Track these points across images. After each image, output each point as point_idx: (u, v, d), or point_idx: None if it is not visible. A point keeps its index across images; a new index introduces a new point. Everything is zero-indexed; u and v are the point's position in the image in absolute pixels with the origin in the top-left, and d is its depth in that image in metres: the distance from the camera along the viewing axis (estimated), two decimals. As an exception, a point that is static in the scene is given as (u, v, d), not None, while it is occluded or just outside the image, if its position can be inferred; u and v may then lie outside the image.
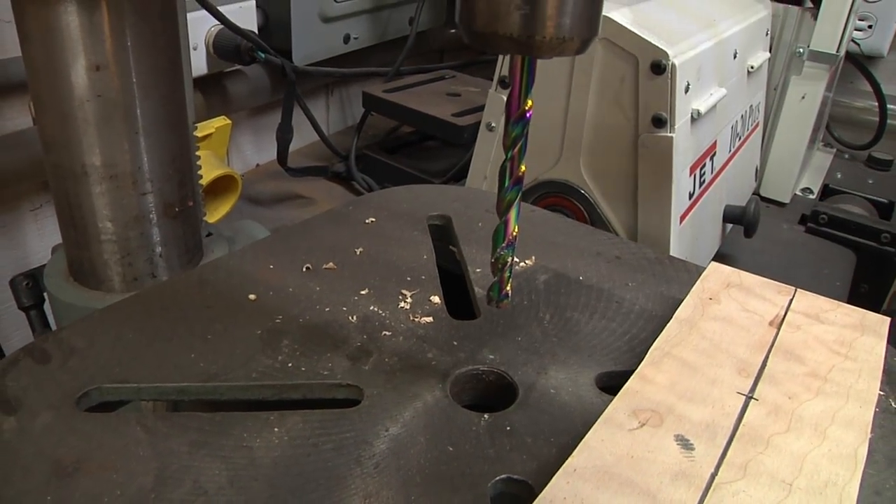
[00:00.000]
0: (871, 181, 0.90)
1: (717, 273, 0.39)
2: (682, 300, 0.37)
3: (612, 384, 0.32)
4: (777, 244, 0.75)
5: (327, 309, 0.37)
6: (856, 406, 0.30)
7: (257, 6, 0.83)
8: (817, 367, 0.32)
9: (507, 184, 0.28)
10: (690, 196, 0.56)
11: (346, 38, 0.92)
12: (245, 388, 0.32)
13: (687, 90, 0.51)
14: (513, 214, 0.29)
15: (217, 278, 0.39)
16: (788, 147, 0.80)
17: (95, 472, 0.27)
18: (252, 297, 0.38)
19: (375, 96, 0.88)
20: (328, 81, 1.04)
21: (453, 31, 1.10)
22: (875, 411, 0.31)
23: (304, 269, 0.40)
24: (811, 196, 0.85)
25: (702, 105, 0.54)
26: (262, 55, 0.77)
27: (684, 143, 0.52)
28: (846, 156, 0.97)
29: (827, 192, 0.88)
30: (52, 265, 0.48)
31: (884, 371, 0.33)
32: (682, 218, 0.55)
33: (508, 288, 0.31)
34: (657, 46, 0.49)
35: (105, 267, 0.45)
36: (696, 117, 0.53)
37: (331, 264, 0.41)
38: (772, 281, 0.39)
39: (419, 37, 0.98)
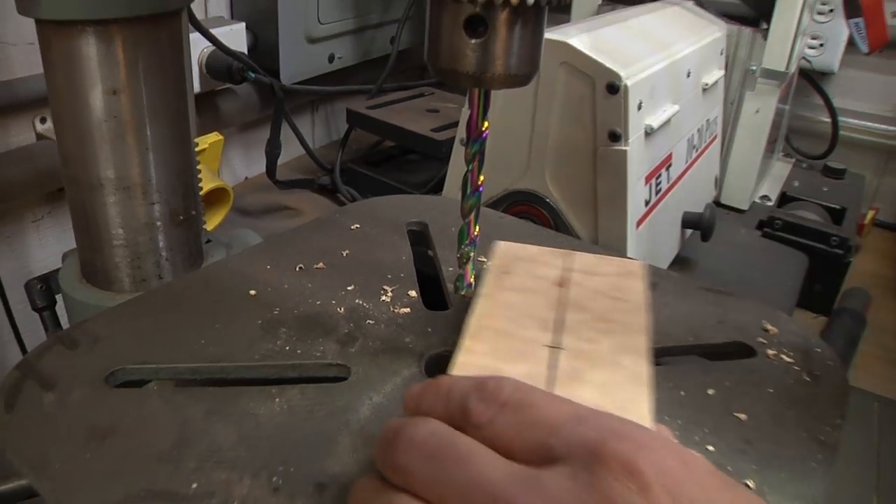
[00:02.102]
0: (825, 189, 0.97)
1: (505, 250, 0.44)
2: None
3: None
4: (735, 248, 0.81)
5: (318, 302, 0.43)
6: (633, 337, 0.36)
7: (247, 28, 0.90)
8: (601, 312, 0.38)
9: (468, 191, 0.34)
10: (647, 203, 0.63)
11: (331, 58, 0.99)
12: (249, 368, 0.38)
13: (640, 108, 0.58)
14: (474, 217, 0.35)
15: (220, 277, 0.45)
16: (745, 157, 0.86)
17: (126, 435, 0.33)
18: (252, 292, 0.43)
19: (359, 113, 0.94)
20: (313, 98, 1.11)
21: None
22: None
23: (297, 269, 0.46)
24: (769, 203, 0.92)
25: (654, 121, 0.60)
26: (253, 75, 0.83)
27: (638, 155, 0.59)
28: (804, 165, 1.04)
29: (784, 199, 0.95)
30: (65, 269, 0.54)
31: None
32: (639, 223, 0.61)
33: (471, 279, 0.37)
34: (611, 69, 0.55)
35: (116, 269, 0.51)
36: (649, 132, 0.60)
37: (321, 264, 0.47)
38: (551, 249, 0.44)
39: (400, 55, 1.05)
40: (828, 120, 1.02)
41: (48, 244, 0.83)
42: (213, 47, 0.81)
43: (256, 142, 1.03)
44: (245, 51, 0.90)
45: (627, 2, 0.87)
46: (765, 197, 0.92)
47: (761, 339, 0.43)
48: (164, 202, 0.50)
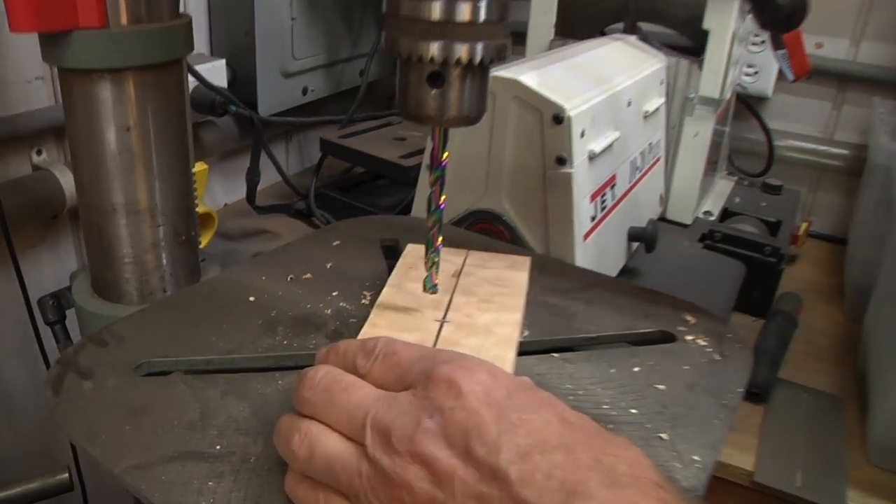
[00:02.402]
0: (763, 204, 1.07)
1: (415, 251, 0.56)
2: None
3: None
4: (678, 258, 0.91)
5: (308, 306, 0.52)
6: (508, 314, 0.48)
7: (227, 64, 0.98)
8: (484, 296, 0.50)
9: (432, 208, 0.43)
10: (592, 219, 0.72)
11: (305, 90, 1.08)
12: (254, 359, 0.46)
13: (582, 135, 0.67)
14: (437, 229, 0.44)
15: (223, 287, 0.53)
16: (687, 176, 0.97)
17: (157, 412, 0.41)
18: (252, 298, 0.52)
19: (332, 142, 1.03)
20: (288, 128, 1.19)
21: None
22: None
23: (289, 279, 0.55)
24: (711, 218, 1.02)
25: (597, 146, 0.70)
26: (234, 108, 0.92)
27: (583, 177, 0.68)
28: (745, 183, 1.15)
29: (726, 214, 1.05)
30: (77, 285, 0.62)
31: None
32: (586, 237, 0.71)
33: (436, 280, 0.46)
34: (556, 103, 0.65)
35: (126, 284, 0.59)
36: (592, 156, 0.69)
37: (308, 275, 0.56)
38: (452, 248, 0.56)
39: (369, 87, 1.14)
40: (765, 140, 1.14)
41: (44, 268, 0.90)
42: (197, 83, 0.89)
43: (235, 170, 1.12)
44: (225, 85, 0.98)
45: (576, 37, 0.97)
46: (707, 212, 1.03)
47: (681, 328, 0.52)
48: (168, 224, 0.59)
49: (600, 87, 0.74)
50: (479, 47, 0.38)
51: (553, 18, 0.97)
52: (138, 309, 0.51)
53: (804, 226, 1.07)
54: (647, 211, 0.92)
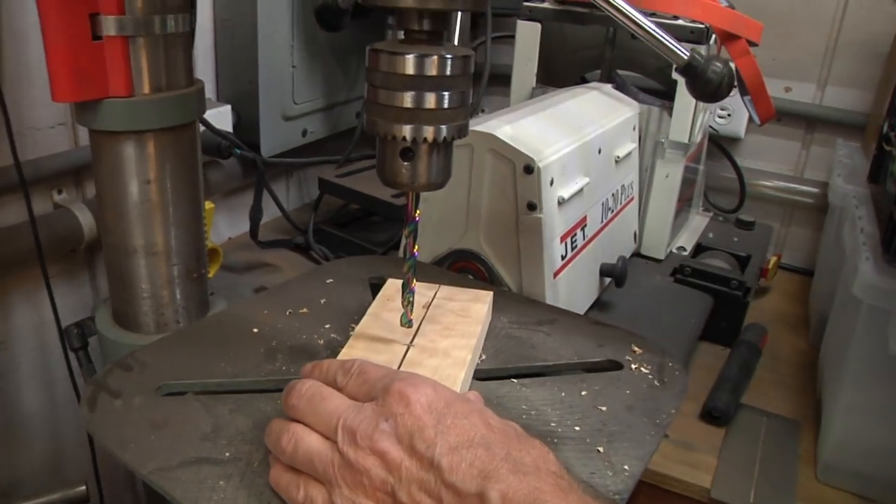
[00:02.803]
0: (736, 239, 1.17)
1: (393, 285, 0.66)
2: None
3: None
4: (650, 292, 1.00)
5: (304, 336, 0.61)
6: (465, 339, 0.58)
7: (232, 109, 1.09)
8: (448, 324, 0.60)
9: (407, 256, 0.53)
10: (563, 258, 0.81)
11: (304, 132, 1.18)
12: (257, 382, 0.55)
13: (552, 183, 0.77)
14: (412, 273, 0.54)
15: (230, 320, 0.63)
16: (659, 214, 1.06)
17: (176, 425, 0.50)
18: (255, 330, 0.61)
19: (329, 181, 1.13)
20: (286, 167, 1.30)
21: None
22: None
23: (287, 313, 0.64)
24: (684, 253, 1.11)
25: (566, 192, 0.79)
26: (238, 151, 1.02)
27: (552, 221, 0.78)
28: (720, 219, 1.25)
29: (699, 249, 1.15)
30: (100, 316, 0.71)
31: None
32: (556, 274, 0.80)
33: (411, 316, 0.55)
34: (527, 154, 0.74)
35: (144, 316, 0.68)
36: (561, 202, 0.79)
37: (304, 310, 0.65)
38: (426, 283, 0.65)
39: (364, 128, 1.24)
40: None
41: (62, 297, 0.99)
42: (204, 128, 0.99)
43: (238, 206, 1.21)
44: (230, 128, 1.08)
45: (557, 84, 1.08)
46: (681, 247, 1.12)
47: (628, 357, 0.61)
48: (181, 264, 0.68)
49: (571, 136, 0.84)
50: (444, 128, 0.48)
51: (535, 67, 1.08)
52: (156, 338, 0.61)
53: (773, 259, 1.16)
54: (622, 247, 1.01)
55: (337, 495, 0.40)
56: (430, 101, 0.47)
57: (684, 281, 1.03)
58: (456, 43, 0.71)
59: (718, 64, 0.59)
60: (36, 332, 0.98)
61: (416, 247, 0.53)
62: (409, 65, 0.47)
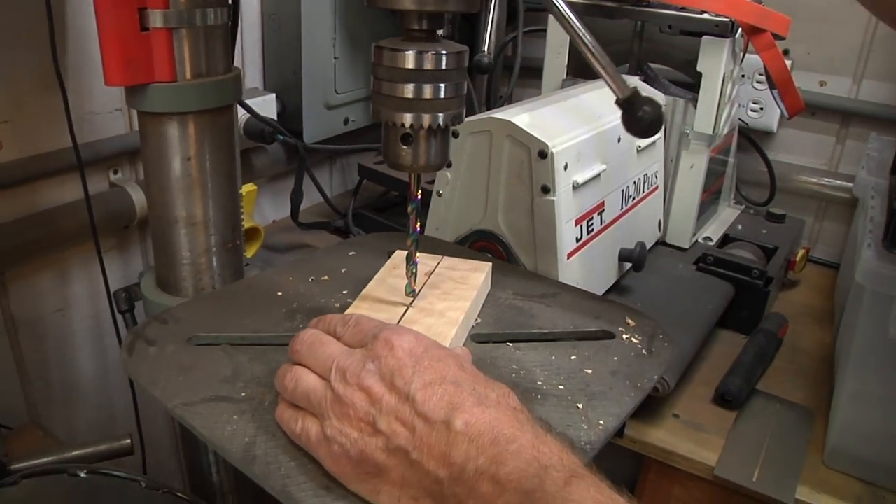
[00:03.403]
0: (765, 231, 1.19)
1: (399, 255, 0.72)
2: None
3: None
4: (671, 279, 1.04)
5: (322, 300, 0.68)
6: (460, 302, 0.63)
7: (276, 97, 1.16)
8: (446, 290, 0.66)
9: (410, 231, 0.59)
10: (577, 240, 0.86)
11: (346, 121, 1.25)
12: (277, 337, 0.62)
13: (566, 168, 0.82)
14: (414, 248, 0.60)
15: (258, 284, 0.70)
16: (684, 204, 1.10)
17: (201, 370, 0.57)
18: (279, 293, 0.68)
19: (368, 167, 1.20)
20: (331, 154, 1.37)
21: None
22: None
23: (310, 280, 0.71)
24: (710, 243, 1.15)
25: (580, 177, 0.84)
26: (281, 137, 1.09)
27: (566, 204, 0.83)
28: (751, 211, 1.27)
29: (727, 240, 1.17)
30: (145, 281, 0.79)
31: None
32: (570, 256, 0.85)
33: (415, 286, 0.62)
34: (541, 140, 0.80)
35: (184, 281, 0.76)
36: (575, 186, 0.84)
37: (326, 277, 0.72)
38: (429, 255, 0.71)
39: (404, 118, 1.31)
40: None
41: (115, 269, 1.09)
42: (250, 115, 1.07)
43: (282, 190, 1.30)
44: (275, 116, 1.16)
45: (585, 77, 1.12)
46: (707, 238, 1.15)
47: (622, 329, 0.66)
48: (218, 234, 0.76)
49: (589, 125, 0.89)
50: (440, 116, 0.55)
51: (565, 60, 1.12)
52: (185, 301, 0.68)
53: (802, 252, 1.18)
54: (645, 235, 1.05)
55: (327, 426, 0.47)
56: (427, 91, 0.54)
57: (706, 269, 1.06)
58: (491, 36, 0.78)
59: (648, 108, 0.65)
60: (91, 300, 1.08)
61: (419, 224, 0.60)
62: (409, 60, 0.54)
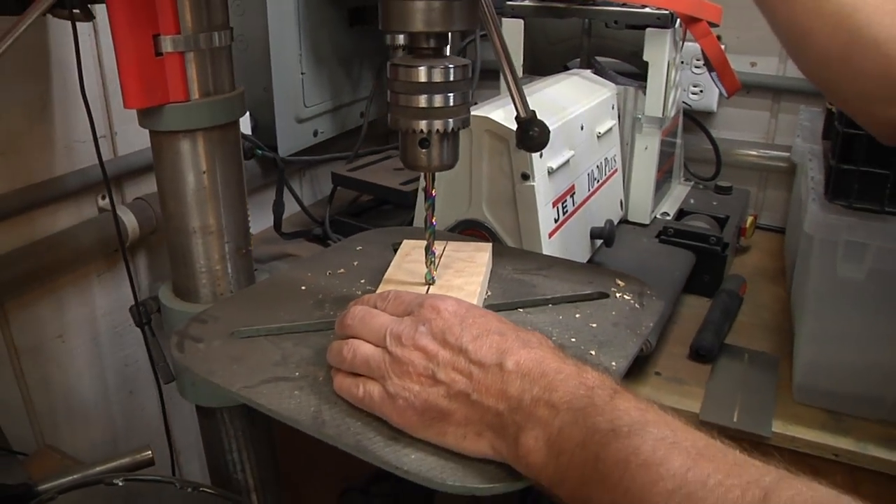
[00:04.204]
0: (715, 203, 1.31)
1: (408, 244, 0.81)
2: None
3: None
4: (637, 252, 1.14)
5: (344, 289, 0.75)
6: (474, 277, 0.72)
7: (250, 115, 1.23)
8: (458, 269, 0.74)
9: (428, 225, 0.68)
10: (556, 221, 0.96)
11: (315, 133, 1.32)
12: (312, 324, 0.69)
13: (541, 156, 0.91)
14: (432, 239, 0.68)
15: (281, 281, 0.77)
16: (641, 183, 1.20)
17: (251, 358, 0.64)
18: (303, 287, 0.75)
19: (342, 175, 1.27)
20: (301, 166, 1.44)
21: (395, 117, 1.52)
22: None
23: (328, 274, 0.78)
24: (668, 217, 1.25)
25: (553, 163, 0.93)
26: (260, 152, 1.16)
27: (544, 188, 0.92)
28: (700, 186, 1.39)
29: (681, 213, 1.28)
30: (163, 292, 0.85)
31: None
32: (551, 235, 0.94)
33: (434, 272, 0.70)
34: (518, 131, 0.89)
35: (203, 288, 0.82)
36: (550, 172, 0.93)
37: (342, 270, 0.79)
38: (439, 241, 0.78)
39: (369, 126, 1.39)
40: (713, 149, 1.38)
41: (109, 292, 1.13)
42: (229, 133, 1.14)
43: (259, 204, 1.35)
44: (249, 132, 1.23)
45: (542, 73, 1.22)
46: (664, 213, 1.26)
47: (613, 289, 0.76)
48: (232, 241, 0.82)
49: (556, 115, 0.98)
50: (451, 121, 0.63)
51: (521, 59, 1.22)
52: (217, 301, 0.75)
53: (750, 220, 1.30)
54: (609, 214, 1.15)
55: (389, 385, 0.54)
56: (438, 101, 0.62)
57: (668, 241, 1.17)
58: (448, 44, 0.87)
59: (538, 129, 0.77)
60: (89, 325, 1.12)
61: (434, 217, 0.68)
62: (422, 74, 0.62)
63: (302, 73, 1.26)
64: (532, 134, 0.77)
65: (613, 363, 0.63)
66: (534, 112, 0.77)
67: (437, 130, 0.63)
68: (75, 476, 0.88)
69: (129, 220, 1.08)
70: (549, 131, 0.78)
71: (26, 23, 0.70)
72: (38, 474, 0.93)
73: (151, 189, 1.12)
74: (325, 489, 1.28)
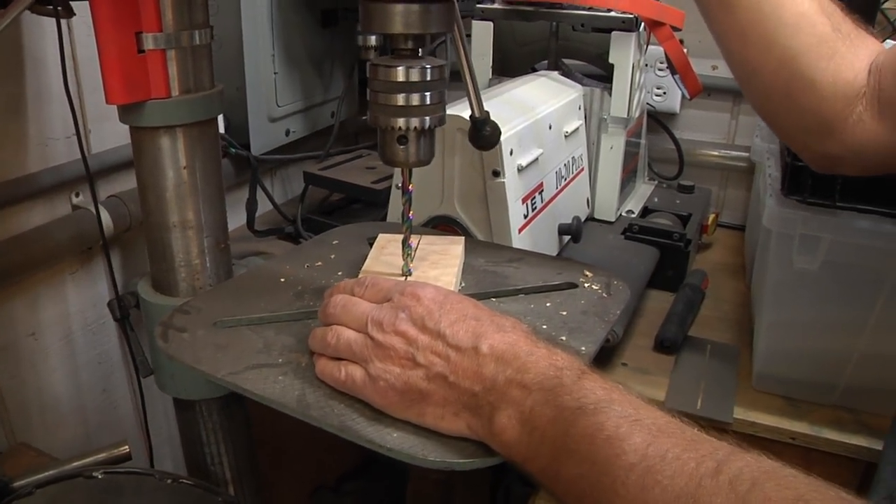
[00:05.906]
0: (678, 201, 1.36)
1: (383, 238, 0.84)
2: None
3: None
4: (603, 248, 1.19)
5: (322, 281, 0.78)
6: (449, 269, 0.76)
7: (224, 116, 1.25)
8: (434, 261, 0.78)
9: (405, 218, 0.71)
10: (525, 216, 0.99)
11: (287, 132, 1.35)
12: (292, 314, 0.72)
13: (511, 153, 0.95)
14: (409, 232, 0.72)
15: (261, 274, 0.79)
16: (607, 182, 1.25)
17: (235, 346, 0.66)
18: (282, 279, 0.78)
19: (314, 174, 1.29)
20: (273, 165, 1.46)
21: (364, 118, 1.54)
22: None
23: (305, 266, 0.81)
24: (633, 215, 1.30)
25: (523, 161, 0.97)
26: (234, 150, 1.18)
27: (514, 185, 0.95)
28: (664, 185, 1.44)
29: (646, 211, 1.33)
30: (142, 286, 0.87)
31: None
32: (520, 230, 0.98)
33: (411, 265, 0.73)
34: (490, 130, 0.92)
35: (182, 282, 0.84)
36: (520, 169, 0.97)
37: (319, 263, 0.82)
38: (413, 235, 0.81)
39: (341, 126, 1.41)
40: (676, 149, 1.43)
41: (82, 290, 1.14)
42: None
43: (231, 202, 1.35)
44: (222, 131, 1.24)
45: (511, 74, 1.26)
46: (629, 211, 1.30)
47: (582, 280, 0.79)
48: (211, 236, 0.84)
49: (525, 115, 1.02)
50: (427, 119, 0.67)
51: (490, 61, 1.26)
52: (198, 294, 0.77)
53: (712, 217, 1.36)
54: (576, 211, 1.19)
55: (371, 368, 0.57)
56: (416, 99, 0.66)
57: (633, 237, 1.22)
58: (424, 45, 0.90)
59: (489, 129, 0.81)
60: (61, 322, 1.13)
61: (412, 212, 0.71)
62: (400, 74, 0.65)
63: (275, 73, 1.28)
64: (485, 133, 0.81)
65: (583, 347, 0.67)
66: (488, 113, 0.81)
67: (415, 128, 0.66)
68: (46, 474, 0.89)
69: (104, 217, 1.09)
70: (500, 132, 0.83)
71: (9, 19, 0.71)
72: (11, 471, 0.94)
73: (124, 187, 1.14)
74: (297, 488, 1.30)
